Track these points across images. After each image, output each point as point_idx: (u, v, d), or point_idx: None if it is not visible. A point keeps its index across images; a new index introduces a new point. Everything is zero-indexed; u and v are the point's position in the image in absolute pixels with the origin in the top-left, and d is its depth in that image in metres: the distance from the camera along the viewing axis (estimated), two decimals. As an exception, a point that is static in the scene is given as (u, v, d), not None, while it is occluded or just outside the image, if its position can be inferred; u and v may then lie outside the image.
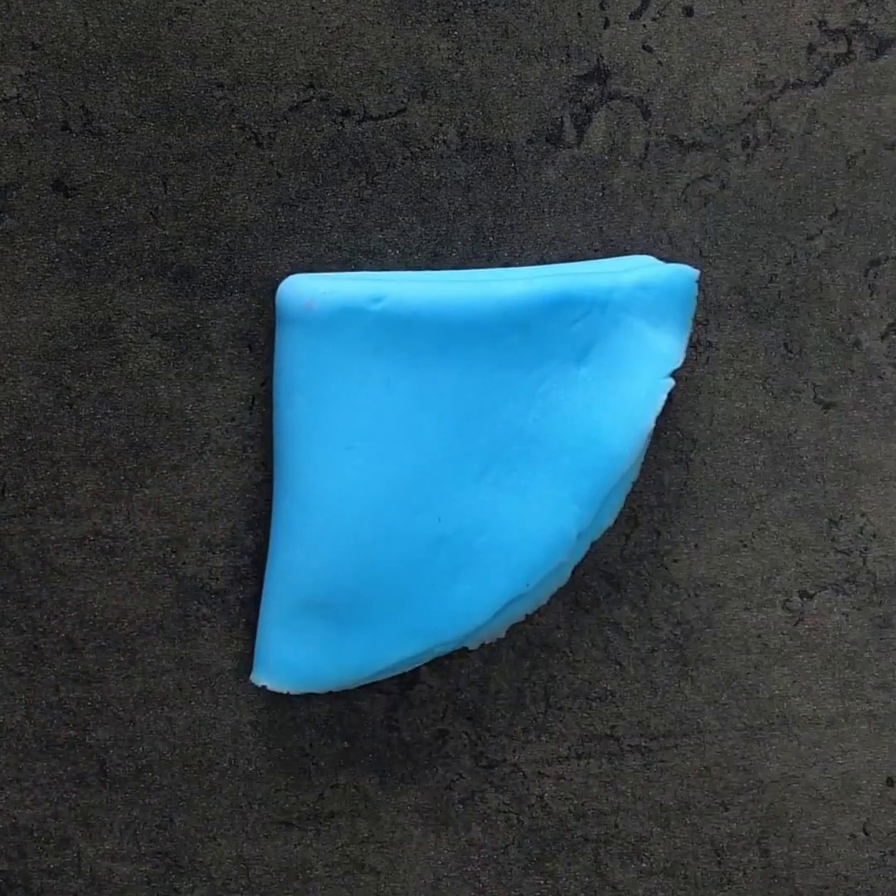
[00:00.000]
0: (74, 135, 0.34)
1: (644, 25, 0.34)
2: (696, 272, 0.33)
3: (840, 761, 0.35)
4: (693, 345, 0.35)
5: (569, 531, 0.33)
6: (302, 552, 0.33)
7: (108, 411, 0.35)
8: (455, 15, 0.34)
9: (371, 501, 0.33)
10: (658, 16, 0.34)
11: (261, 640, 0.34)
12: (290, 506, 0.33)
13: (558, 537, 0.33)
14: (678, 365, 0.33)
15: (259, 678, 0.34)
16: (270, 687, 0.34)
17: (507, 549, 0.33)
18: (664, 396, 0.33)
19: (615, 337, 0.33)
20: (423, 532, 0.33)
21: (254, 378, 0.35)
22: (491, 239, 0.35)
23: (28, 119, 0.34)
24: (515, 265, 0.35)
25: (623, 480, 0.34)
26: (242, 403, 0.35)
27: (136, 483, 0.35)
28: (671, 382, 0.33)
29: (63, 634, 0.35)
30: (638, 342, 0.33)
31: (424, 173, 0.34)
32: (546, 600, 0.34)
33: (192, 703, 0.35)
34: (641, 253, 0.35)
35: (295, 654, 0.33)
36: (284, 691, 0.34)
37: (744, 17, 0.34)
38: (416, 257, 0.35)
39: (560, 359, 0.33)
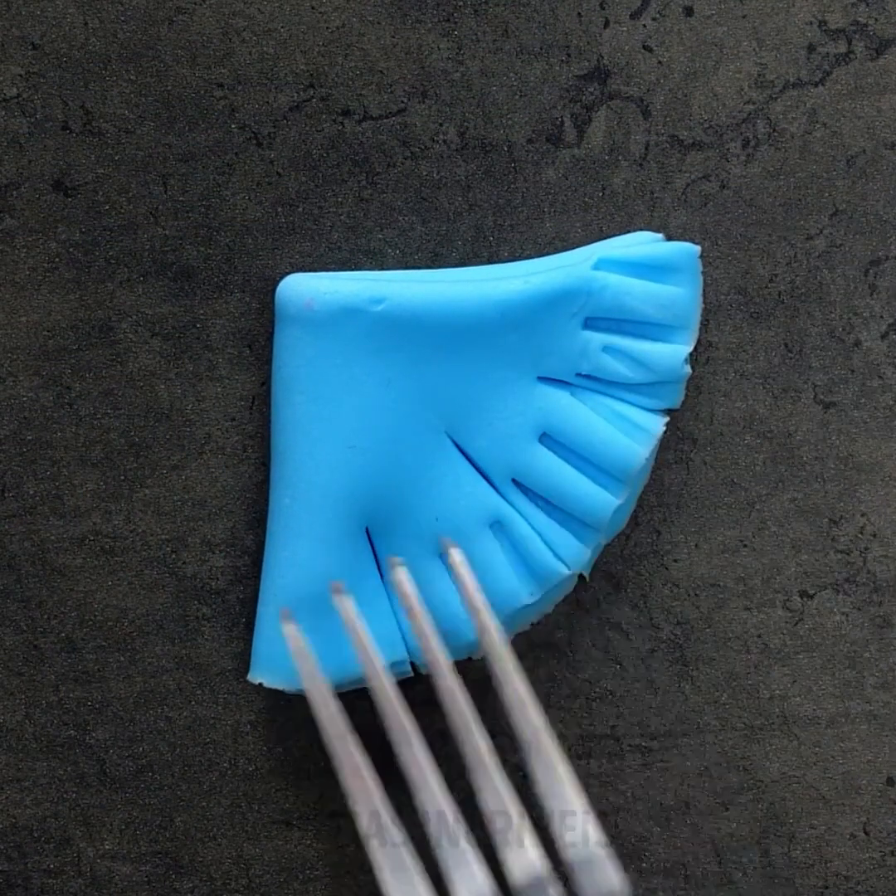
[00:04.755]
0: (74, 135, 0.34)
1: (644, 25, 0.34)
2: (697, 249, 0.33)
3: (840, 761, 0.35)
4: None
5: (581, 535, 0.33)
6: (302, 549, 0.33)
7: (108, 411, 0.35)
8: (455, 15, 0.34)
9: (369, 501, 0.33)
10: (658, 16, 0.34)
11: (258, 638, 0.34)
12: (291, 503, 0.33)
13: (567, 543, 0.33)
14: (690, 348, 0.33)
15: (256, 676, 0.34)
16: (267, 684, 0.34)
17: (509, 553, 0.33)
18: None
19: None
20: (420, 531, 0.33)
21: (254, 378, 0.35)
22: (491, 239, 0.35)
23: (28, 119, 0.34)
24: (515, 265, 0.35)
25: (636, 481, 0.34)
26: (242, 403, 0.35)
27: (136, 483, 0.35)
28: (687, 370, 0.33)
29: (63, 634, 0.35)
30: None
31: (424, 173, 0.34)
32: (551, 608, 0.34)
33: (192, 703, 0.35)
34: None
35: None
36: (281, 689, 0.34)
37: (744, 16, 0.34)
38: (416, 257, 0.35)
39: (560, 354, 0.33)
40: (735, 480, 0.35)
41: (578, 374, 0.33)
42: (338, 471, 0.33)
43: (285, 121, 0.34)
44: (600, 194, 0.35)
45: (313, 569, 0.33)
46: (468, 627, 0.33)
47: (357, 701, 0.35)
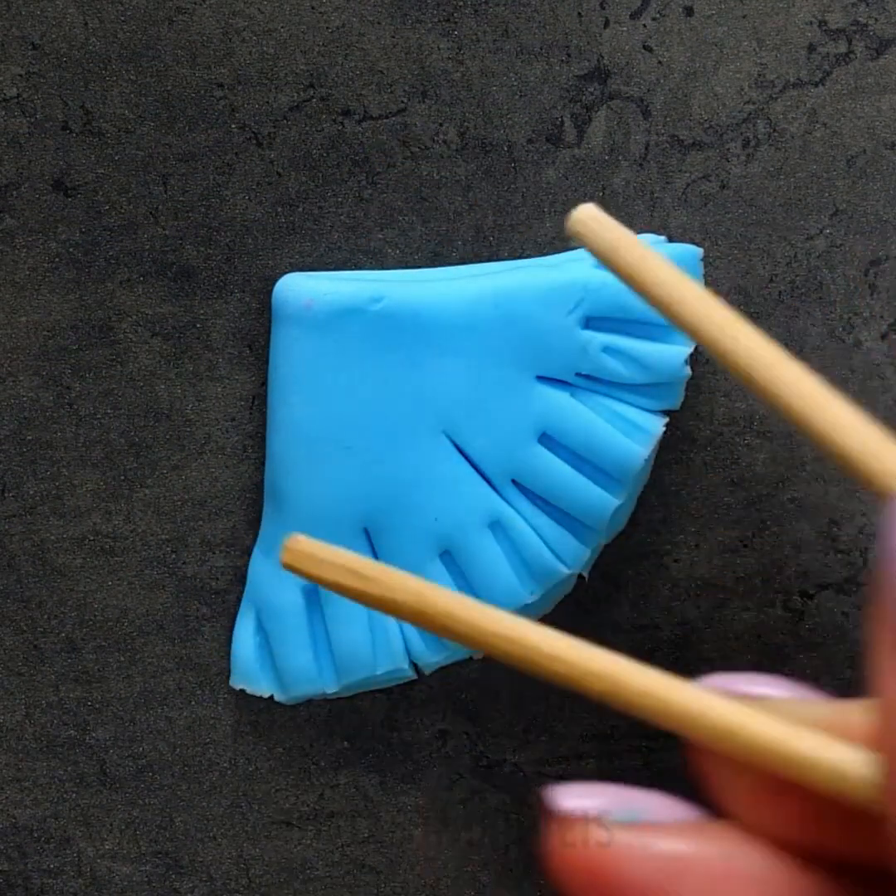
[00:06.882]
0: (74, 135, 0.34)
1: (644, 25, 0.34)
2: (700, 251, 0.33)
3: (840, 761, 0.35)
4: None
5: (582, 534, 0.33)
6: None
7: (108, 411, 0.35)
8: (455, 15, 0.34)
9: (367, 501, 0.33)
10: (658, 16, 0.34)
11: (236, 642, 0.34)
12: (282, 504, 0.33)
13: (567, 543, 0.33)
14: (690, 349, 0.33)
15: (236, 682, 0.34)
16: (249, 691, 0.34)
17: (508, 553, 0.33)
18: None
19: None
20: (419, 532, 0.33)
21: (254, 378, 0.35)
22: (491, 239, 0.35)
23: (28, 119, 0.34)
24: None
25: (635, 481, 0.34)
26: (242, 403, 0.35)
27: (136, 483, 0.35)
28: (687, 371, 0.33)
29: (63, 634, 0.35)
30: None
31: (424, 173, 0.34)
32: (551, 608, 0.34)
33: (192, 703, 0.35)
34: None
35: (286, 659, 0.33)
36: (261, 695, 0.34)
37: (744, 16, 0.34)
38: (416, 257, 0.35)
39: (559, 354, 0.33)
40: (735, 480, 0.35)
41: (578, 374, 0.33)
42: (335, 472, 0.33)
43: (285, 121, 0.34)
44: (600, 194, 0.35)
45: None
46: None
47: (357, 701, 0.35)
